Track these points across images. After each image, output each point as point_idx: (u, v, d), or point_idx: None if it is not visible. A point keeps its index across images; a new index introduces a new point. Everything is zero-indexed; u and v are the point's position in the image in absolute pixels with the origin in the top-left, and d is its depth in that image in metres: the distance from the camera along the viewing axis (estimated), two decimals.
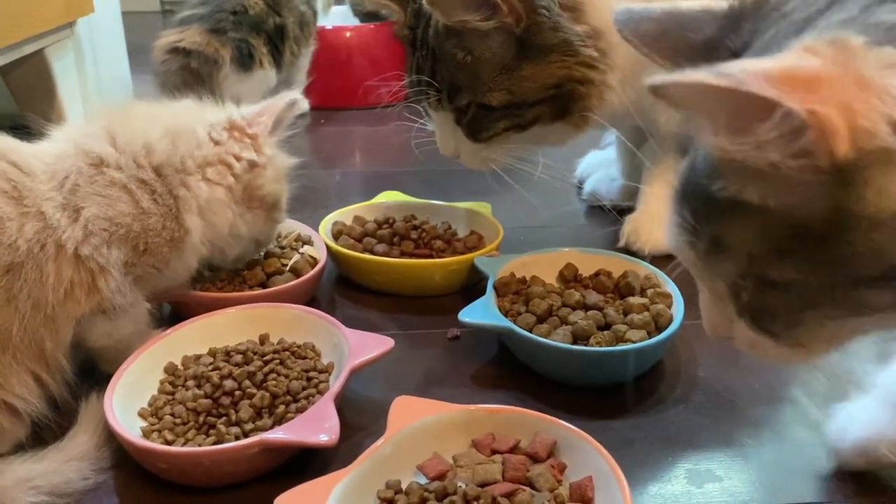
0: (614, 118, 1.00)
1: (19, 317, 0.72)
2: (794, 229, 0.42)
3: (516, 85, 0.91)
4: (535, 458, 0.67)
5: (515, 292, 0.92)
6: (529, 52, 0.89)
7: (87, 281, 0.76)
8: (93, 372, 0.83)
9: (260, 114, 0.92)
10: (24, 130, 0.85)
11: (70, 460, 0.71)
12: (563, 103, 0.93)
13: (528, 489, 0.64)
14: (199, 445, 0.71)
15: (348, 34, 1.95)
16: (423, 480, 0.65)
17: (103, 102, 1.61)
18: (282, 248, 1.04)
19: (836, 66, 0.37)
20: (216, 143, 0.88)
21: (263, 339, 0.84)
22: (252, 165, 0.89)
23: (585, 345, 0.82)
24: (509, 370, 0.86)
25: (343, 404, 0.77)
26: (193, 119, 0.89)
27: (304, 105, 1.81)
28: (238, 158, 0.88)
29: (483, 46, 0.90)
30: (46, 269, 0.74)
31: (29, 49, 1.39)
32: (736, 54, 0.48)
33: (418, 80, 0.98)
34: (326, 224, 1.09)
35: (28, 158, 0.78)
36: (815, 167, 0.38)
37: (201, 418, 0.74)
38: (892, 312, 0.43)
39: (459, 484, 0.63)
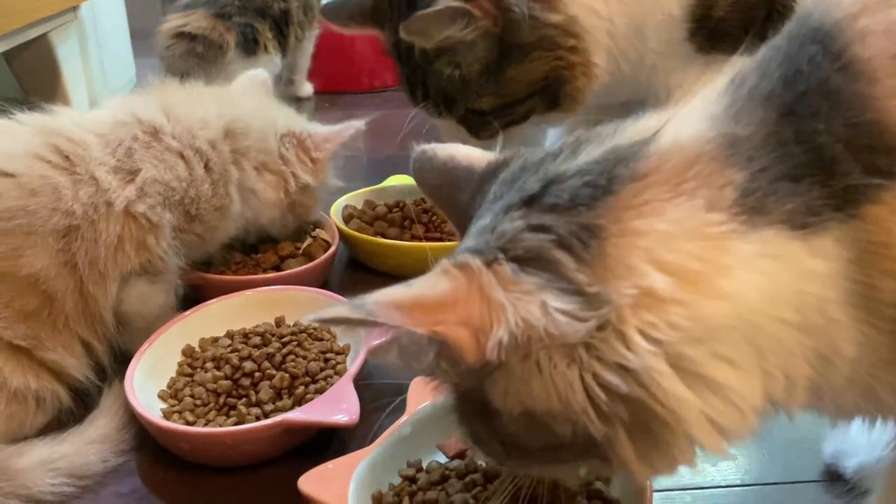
0: (607, 93, 1.01)
1: (77, 277, 0.75)
2: (476, 402, 0.46)
3: (503, 87, 0.92)
4: None
5: None
6: (511, 53, 0.90)
7: (139, 237, 0.79)
8: (115, 359, 0.83)
9: (327, 139, 0.96)
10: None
11: (91, 443, 0.72)
12: (553, 91, 0.94)
13: None
14: (220, 426, 0.72)
15: None
16: (443, 459, 0.66)
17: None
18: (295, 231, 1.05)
19: (464, 288, 0.42)
20: (283, 159, 0.93)
21: (279, 322, 0.84)
22: (305, 188, 0.94)
23: None
24: None
25: (359, 385, 0.77)
26: (266, 122, 0.93)
27: (309, 90, 1.81)
28: (296, 179, 0.93)
29: (470, 56, 0.91)
30: (99, 227, 0.77)
31: (33, 33, 1.39)
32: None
33: (412, 94, 1.00)
34: (337, 207, 1.10)
35: (80, 133, 0.81)
36: (460, 369, 0.43)
37: (221, 399, 0.74)
38: (587, 460, 0.45)
39: (480, 462, 0.64)
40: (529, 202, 0.45)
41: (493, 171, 0.52)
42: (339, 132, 0.97)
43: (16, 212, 0.73)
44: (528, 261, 0.43)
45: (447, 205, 0.57)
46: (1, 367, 0.71)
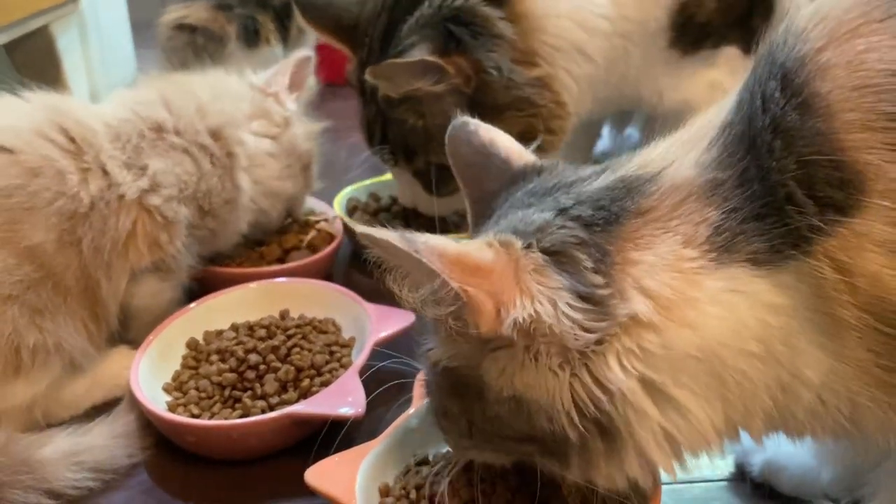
0: (591, 114, 1.02)
1: (80, 259, 0.74)
2: (461, 380, 0.49)
3: None
4: None
5: None
6: (483, 112, 0.84)
7: (152, 234, 0.79)
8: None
9: (275, 74, 0.96)
10: None
11: (117, 437, 0.71)
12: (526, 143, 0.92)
13: None
14: (226, 419, 0.71)
15: None
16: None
17: (107, 77, 1.61)
18: (299, 224, 1.04)
19: (502, 263, 0.45)
20: (251, 100, 0.93)
21: (284, 315, 0.84)
22: (285, 121, 0.93)
23: None
24: None
25: (365, 378, 0.77)
26: (228, 81, 0.94)
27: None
28: (274, 116, 0.93)
29: (436, 108, 0.87)
30: (110, 222, 0.77)
31: (34, 25, 1.38)
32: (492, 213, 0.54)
33: (370, 136, 0.97)
34: (341, 200, 1.09)
35: (89, 119, 0.80)
36: (468, 333, 0.45)
37: (227, 392, 0.74)
38: (538, 456, 0.49)
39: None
40: (560, 211, 0.48)
41: (527, 175, 0.55)
42: (282, 65, 0.97)
43: (13, 190, 0.72)
44: (554, 254, 0.45)
45: (472, 185, 0.59)
46: (16, 326, 0.71)
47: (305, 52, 0.98)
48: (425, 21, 0.87)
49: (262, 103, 0.93)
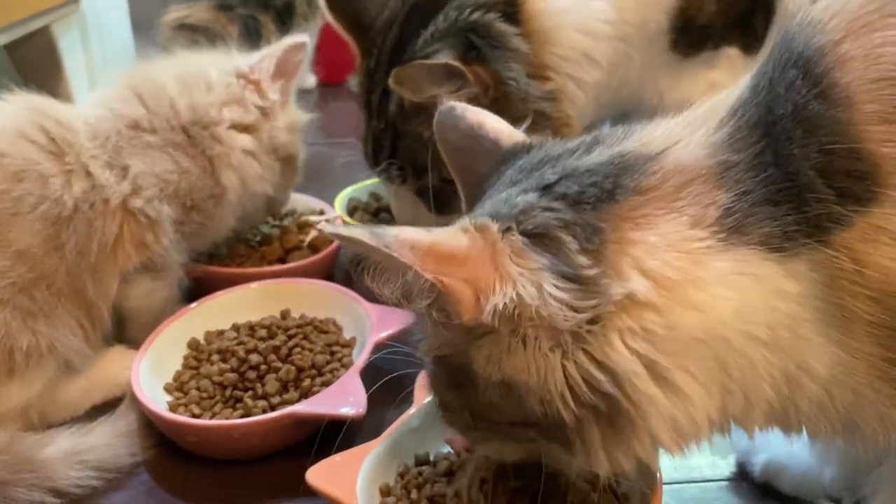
0: (593, 117, 1.02)
1: (66, 262, 0.74)
2: (454, 369, 0.48)
3: None
4: None
5: None
6: None
7: (138, 235, 0.79)
8: None
9: (261, 59, 0.91)
10: None
11: (121, 436, 0.71)
12: None
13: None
14: (227, 419, 0.72)
15: None
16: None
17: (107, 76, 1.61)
18: (299, 225, 1.04)
19: (478, 248, 0.44)
20: (227, 85, 0.88)
21: (285, 315, 0.84)
22: (264, 113, 0.90)
23: None
24: None
25: (365, 378, 0.77)
26: (202, 64, 0.90)
27: (312, 81, 1.79)
28: (249, 104, 0.89)
29: None
30: (95, 224, 0.76)
31: (34, 25, 1.38)
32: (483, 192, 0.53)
33: (375, 152, 0.95)
34: (342, 200, 1.09)
35: (70, 117, 0.80)
36: (452, 323, 0.45)
37: (228, 392, 0.74)
38: (542, 441, 0.48)
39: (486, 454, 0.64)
40: (544, 189, 0.47)
41: (516, 153, 0.54)
42: (270, 51, 0.92)
43: None
44: (537, 237, 0.44)
45: (462, 170, 0.58)
46: (8, 329, 0.71)
47: (299, 37, 0.93)
48: (442, 33, 0.87)
49: (237, 90, 0.88)
